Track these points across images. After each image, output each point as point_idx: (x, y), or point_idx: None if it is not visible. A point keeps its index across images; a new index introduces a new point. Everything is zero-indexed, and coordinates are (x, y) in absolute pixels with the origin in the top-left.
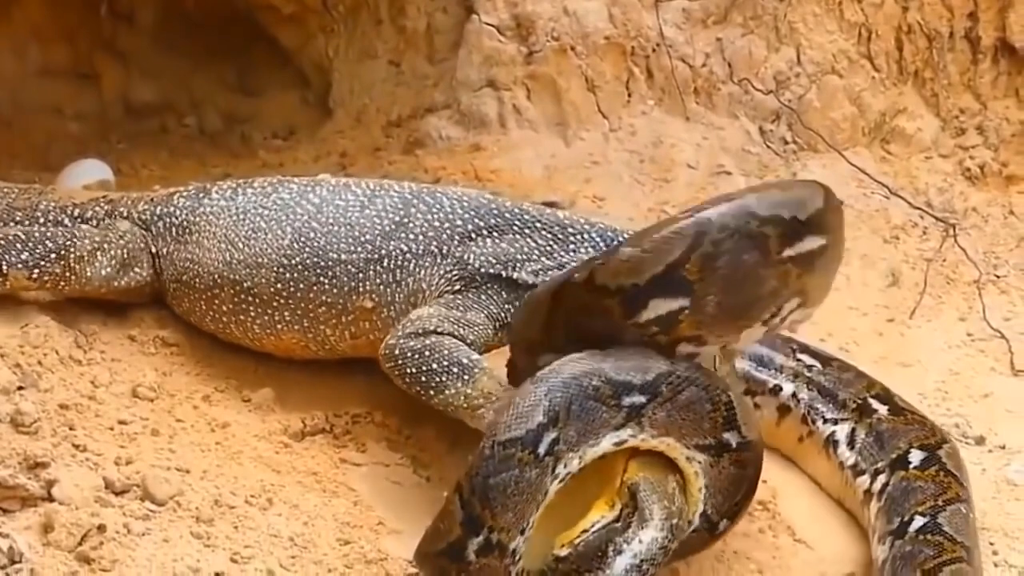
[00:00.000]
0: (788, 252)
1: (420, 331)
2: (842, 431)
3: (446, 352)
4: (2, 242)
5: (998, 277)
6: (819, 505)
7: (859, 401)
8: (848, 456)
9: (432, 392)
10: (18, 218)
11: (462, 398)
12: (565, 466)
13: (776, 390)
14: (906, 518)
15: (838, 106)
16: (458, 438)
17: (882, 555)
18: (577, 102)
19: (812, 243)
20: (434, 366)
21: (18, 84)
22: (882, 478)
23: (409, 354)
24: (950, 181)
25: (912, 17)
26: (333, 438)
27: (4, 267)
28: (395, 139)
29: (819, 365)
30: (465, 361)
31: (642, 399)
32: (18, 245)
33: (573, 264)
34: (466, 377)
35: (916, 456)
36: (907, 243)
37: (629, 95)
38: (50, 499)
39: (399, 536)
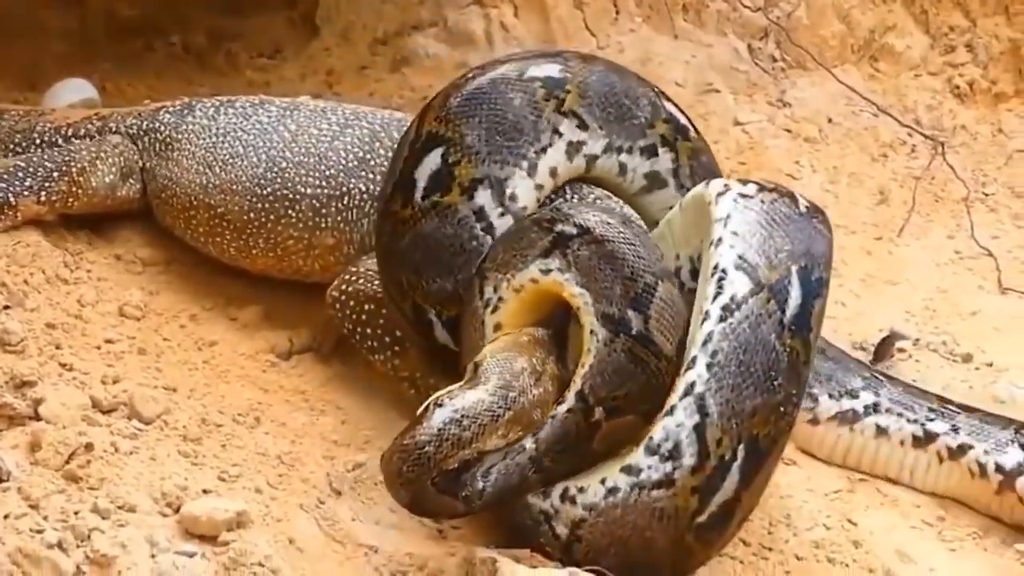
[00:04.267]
0: None
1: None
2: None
3: (383, 322)
4: (4, 175)
5: (986, 195)
6: None
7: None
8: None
9: (366, 351)
10: (17, 140)
11: (390, 366)
12: (495, 290)
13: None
14: None
15: (827, 23)
16: None
17: None
18: (564, 19)
19: None
20: (368, 330)
21: (0, 3)
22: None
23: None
24: (939, 99)
25: None
26: (320, 356)
27: (12, 198)
28: (382, 57)
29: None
30: (398, 333)
31: (573, 230)
32: (20, 174)
33: None
34: (397, 348)
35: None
36: (896, 161)
37: (617, 12)
38: (37, 418)
39: None
